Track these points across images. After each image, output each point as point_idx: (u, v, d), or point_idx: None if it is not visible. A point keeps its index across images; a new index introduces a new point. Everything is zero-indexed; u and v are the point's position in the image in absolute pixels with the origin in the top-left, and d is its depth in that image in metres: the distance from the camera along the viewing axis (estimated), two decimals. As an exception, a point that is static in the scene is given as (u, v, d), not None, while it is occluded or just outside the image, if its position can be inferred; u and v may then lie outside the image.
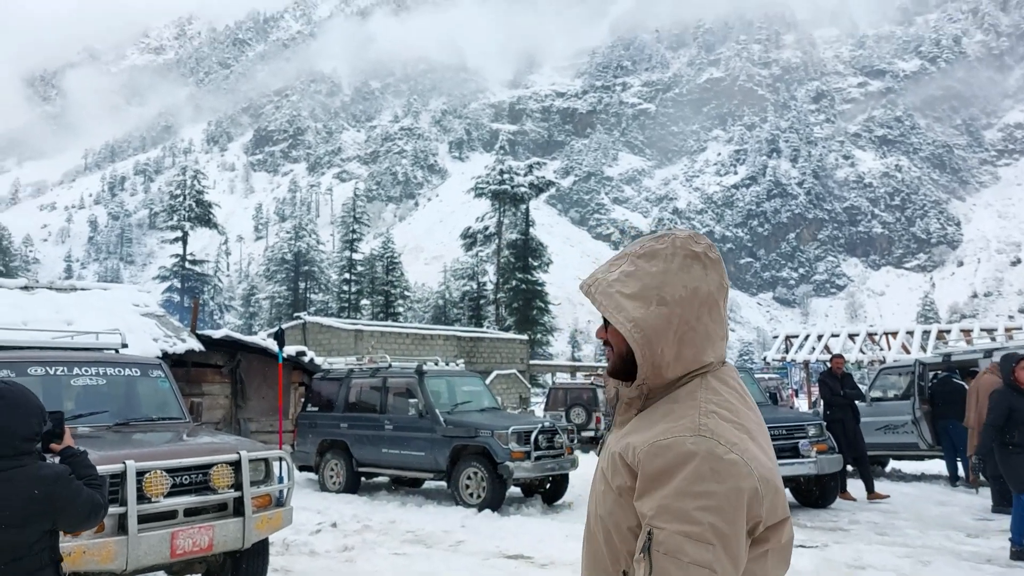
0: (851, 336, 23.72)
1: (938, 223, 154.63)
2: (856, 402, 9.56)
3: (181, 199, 45.04)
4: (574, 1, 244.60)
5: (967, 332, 20.23)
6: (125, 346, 6.30)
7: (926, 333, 22.17)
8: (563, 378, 31.55)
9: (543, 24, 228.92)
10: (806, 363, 24.63)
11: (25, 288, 10.61)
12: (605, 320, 1.27)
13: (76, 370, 5.27)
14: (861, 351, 22.90)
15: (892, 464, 12.20)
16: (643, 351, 1.22)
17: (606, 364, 1.31)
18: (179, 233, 45.04)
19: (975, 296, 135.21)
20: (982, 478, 8.35)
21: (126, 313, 10.47)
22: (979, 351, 10.90)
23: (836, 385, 9.37)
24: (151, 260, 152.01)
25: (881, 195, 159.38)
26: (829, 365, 9.95)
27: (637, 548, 1.08)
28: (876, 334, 23.47)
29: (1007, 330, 18.91)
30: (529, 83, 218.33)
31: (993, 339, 13.62)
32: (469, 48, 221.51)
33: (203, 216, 45.49)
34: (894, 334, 22.64)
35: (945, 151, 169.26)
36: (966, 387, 9.34)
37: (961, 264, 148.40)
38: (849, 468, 9.23)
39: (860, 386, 11.03)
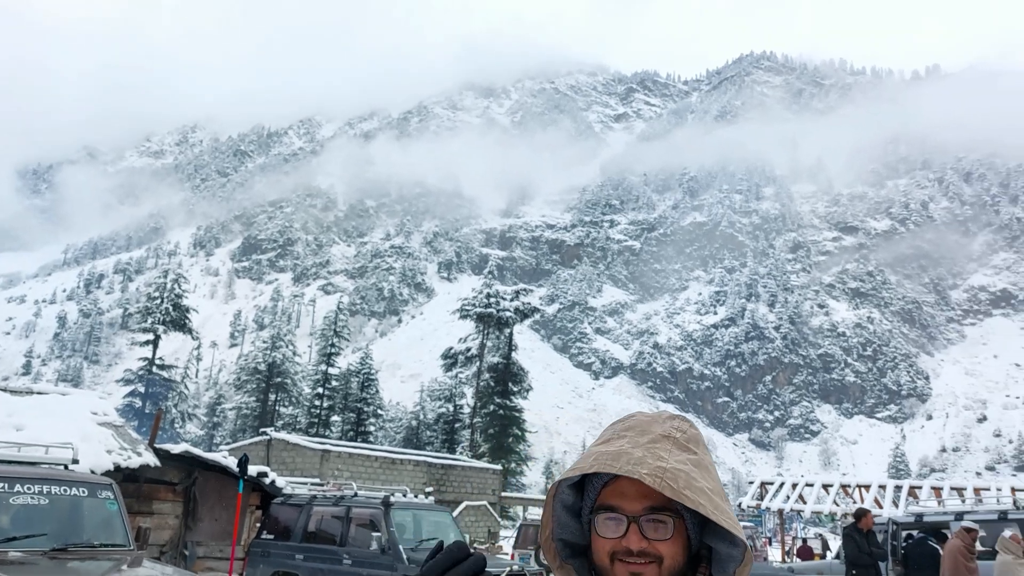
0: (825, 487, 23.47)
1: (908, 376, 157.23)
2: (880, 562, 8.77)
3: (158, 301, 44.68)
4: (567, 142, 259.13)
5: (938, 491, 20.21)
6: (76, 462, 6.01)
7: (898, 488, 22.10)
8: (535, 513, 30.38)
9: (537, 160, 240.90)
10: (780, 511, 24.19)
11: (-19, 388, 10.26)
12: (628, 518, 1.03)
13: (18, 487, 5.00)
14: (835, 503, 22.59)
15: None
16: (748, 563, 1.06)
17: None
18: (151, 336, 44.31)
19: (944, 451, 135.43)
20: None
21: (82, 421, 10.10)
22: (950, 513, 10.84)
23: (864, 543, 8.50)
24: (117, 361, 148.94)
25: (854, 345, 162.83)
26: (853, 519, 8.93)
27: None
28: (849, 486, 23.34)
29: (976, 491, 18.91)
30: (520, 213, 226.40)
31: (963, 500, 13.68)
32: (465, 176, 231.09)
33: (179, 320, 45.01)
34: (867, 487, 22.54)
35: (914, 307, 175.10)
36: (939, 550, 9.16)
37: (930, 418, 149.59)
38: None
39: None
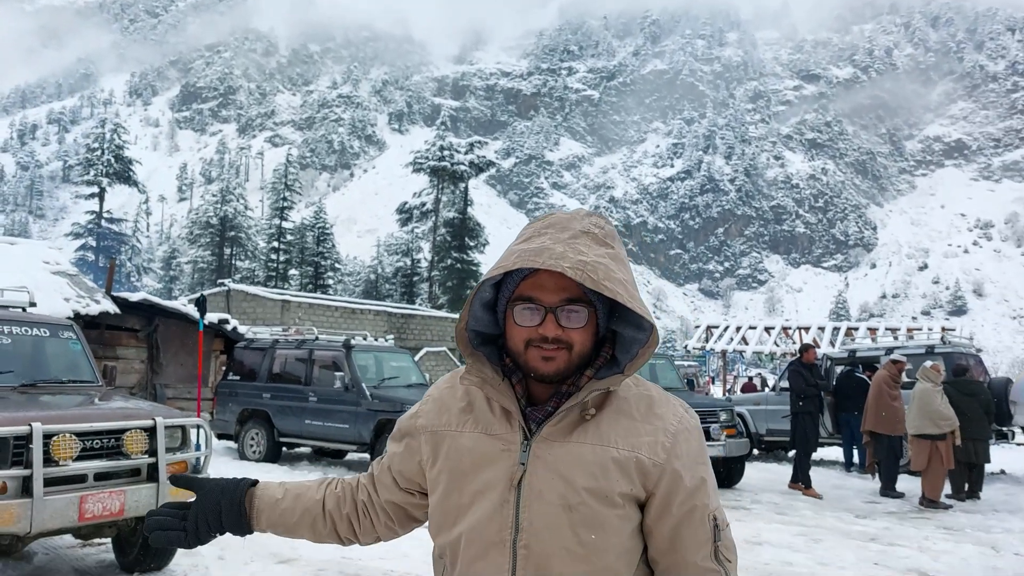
0: (767, 329, 24.85)
1: (856, 227, 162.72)
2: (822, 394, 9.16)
3: (99, 153, 42.60)
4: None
5: (873, 331, 21.47)
6: (33, 304, 6.01)
7: (836, 330, 23.48)
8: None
9: (491, 1, 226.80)
10: (724, 352, 25.70)
11: (-78, 237, 9.93)
12: (546, 309, 1.09)
13: (-22, 327, 5.02)
14: (775, 344, 24.02)
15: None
16: (651, 345, 1.12)
17: (544, 362, 1.09)
18: (95, 189, 42.66)
19: (884, 297, 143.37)
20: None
21: (35, 270, 9.95)
22: (881, 348, 11.65)
23: (809, 376, 8.86)
24: (64, 216, 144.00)
25: (806, 196, 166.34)
26: (799, 354, 9.22)
27: (703, 544, 1.09)
28: (790, 328, 24.64)
29: (909, 330, 20.22)
30: (474, 60, 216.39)
31: (896, 338, 14.46)
32: (415, 19, 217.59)
33: (122, 172, 43.23)
34: (807, 329, 23.82)
35: (868, 158, 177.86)
36: (867, 381, 9.94)
37: (874, 266, 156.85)
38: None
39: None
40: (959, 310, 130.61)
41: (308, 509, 1.26)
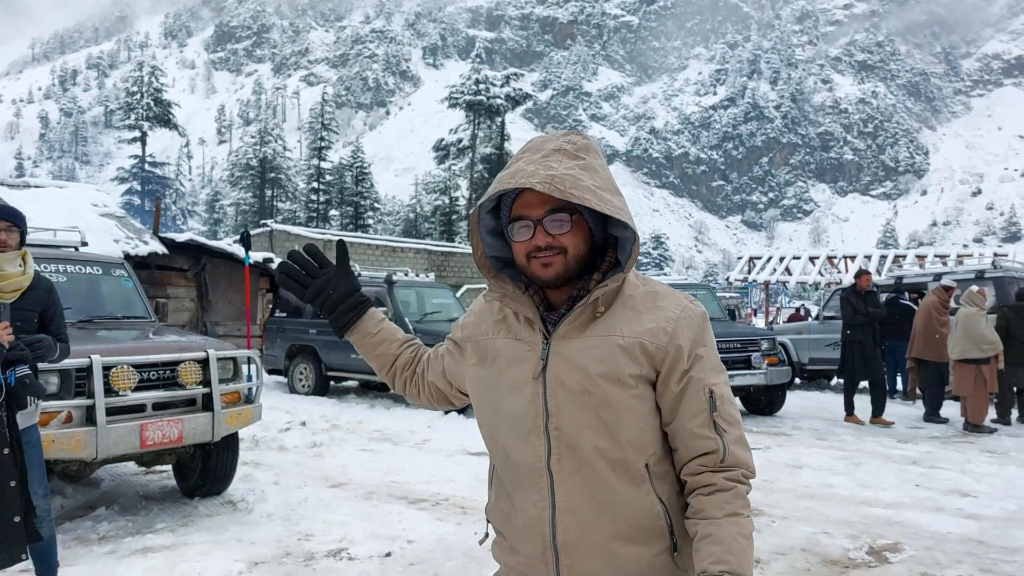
0: (811, 259, 24.31)
1: (907, 152, 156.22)
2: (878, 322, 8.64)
3: (138, 97, 43.05)
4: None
5: (922, 258, 20.84)
6: (85, 244, 6.20)
7: (883, 258, 22.81)
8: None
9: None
10: (766, 284, 25.29)
11: (-23, 183, 10.27)
12: (534, 222, 1.24)
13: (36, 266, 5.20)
14: (820, 273, 23.52)
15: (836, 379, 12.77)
16: (637, 243, 1.27)
17: (543, 268, 1.26)
18: (137, 133, 43.32)
19: (935, 225, 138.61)
20: (918, 391, 8.89)
21: (84, 213, 10.24)
22: (928, 274, 11.31)
23: (860, 304, 8.46)
24: (108, 160, 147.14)
25: (855, 121, 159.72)
26: (854, 281, 8.76)
27: (698, 414, 1.23)
28: (835, 258, 24.03)
29: (959, 257, 19.51)
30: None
31: (945, 264, 13.97)
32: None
33: (162, 116, 43.68)
34: (852, 258, 23.21)
35: (922, 79, 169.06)
36: (913, 307, 9.71)
37: (925, 193, 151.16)
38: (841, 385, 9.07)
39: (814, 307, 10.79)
40: (1014, 236, 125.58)
41: (383, 353, 1.53)
